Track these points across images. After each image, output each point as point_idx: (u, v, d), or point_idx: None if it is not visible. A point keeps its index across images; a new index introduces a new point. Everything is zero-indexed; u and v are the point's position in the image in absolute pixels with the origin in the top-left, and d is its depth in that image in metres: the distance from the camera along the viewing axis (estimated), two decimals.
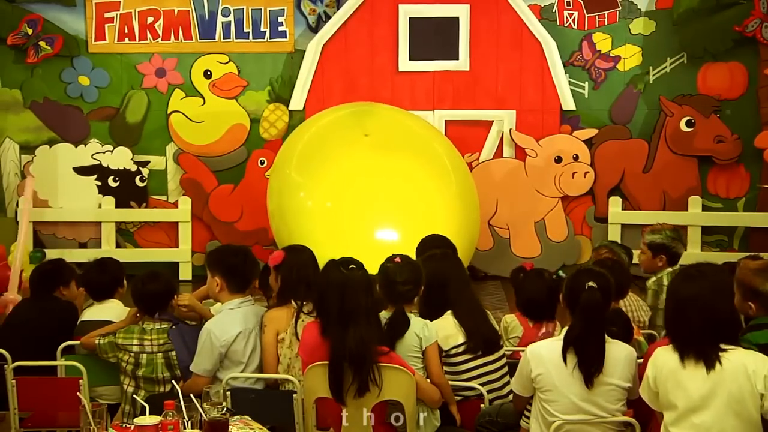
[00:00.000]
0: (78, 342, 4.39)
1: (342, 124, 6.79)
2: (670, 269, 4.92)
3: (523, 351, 3.52)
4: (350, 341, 3.50)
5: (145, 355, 4.19)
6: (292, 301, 4.05)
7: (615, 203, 7.87)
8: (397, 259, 3.98)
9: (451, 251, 4.63)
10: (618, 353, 3.38)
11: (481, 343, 3.90)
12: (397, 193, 6.22)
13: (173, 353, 4.20)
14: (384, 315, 3.83)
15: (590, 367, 3.31)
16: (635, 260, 5.23)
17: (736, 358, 3.08)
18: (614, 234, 7.74)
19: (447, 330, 3.90)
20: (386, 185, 6.25)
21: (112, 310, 4.56)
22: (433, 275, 3.99)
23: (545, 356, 3.38)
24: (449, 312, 3.94)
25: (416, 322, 3.85)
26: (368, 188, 6.23)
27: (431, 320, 3.90)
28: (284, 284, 4.11)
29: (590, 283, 3.35)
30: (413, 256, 4.27)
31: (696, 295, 3.14)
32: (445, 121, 7.82)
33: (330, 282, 3.62)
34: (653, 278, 4.96)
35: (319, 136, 6.74)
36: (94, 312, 4.62)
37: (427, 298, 4.01)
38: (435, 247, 4.61)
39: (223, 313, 4.10)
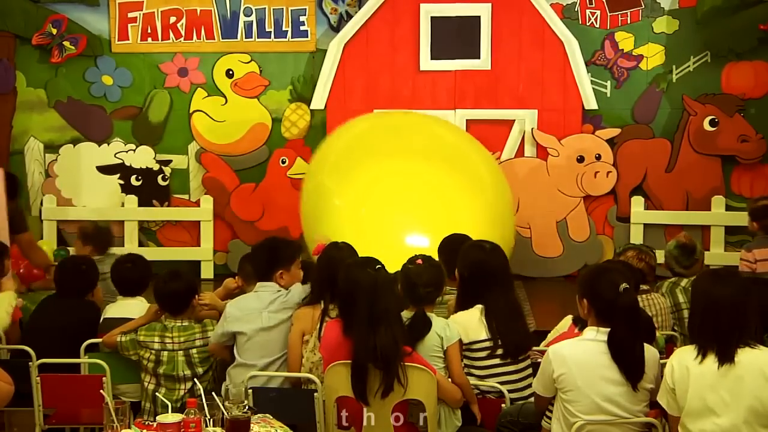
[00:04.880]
0: (101, 340, 4.43)
1: (372, 133, 6.77)
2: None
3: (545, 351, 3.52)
4: (382, 341, 3.52)
5: (166, 353, 4.23)
6: (322, 302, 4.06)
7: (637, 203, 7.82)
8: (419, 261, 3.99)
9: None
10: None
11: (511, 348, 3.87)
12: (430, 200, 6.19)
13: (194, 351, 4.24)
14: (405, 315, 3.84)
15: (636, 371, 3.30)
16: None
17: (756, 359, 3.07)
18: (636, 234, 7.70)
19: (470, 323, 3.89)
20: (419, 193, 6.23)
21: (136, 307, 4.60)
22: (475, 266, 3.97)
23: (567, 356, 3.37)
24: (479, 306, 3.93)
25: (437, 322, 3.85)
26: (401, 195, 6.22)
27: (464, 309, 3.90)
28: (318, 279, 4.13)
29: (624, 285, 3.35)
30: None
31: (729, 294, 3.14)
32: (467, 120, 7.79)
33: (360, 283, 3.63)
34: (665, 283, 5.05)
35: (352, 144, 6.72)
36: (117, 309, 4.66)
37: (464, 287, 4.00)
38: (461, 245, 4.61)
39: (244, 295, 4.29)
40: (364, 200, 6.17)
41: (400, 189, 6.20)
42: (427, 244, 5.83)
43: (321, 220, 6.23)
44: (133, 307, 4.58)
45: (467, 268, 4.02)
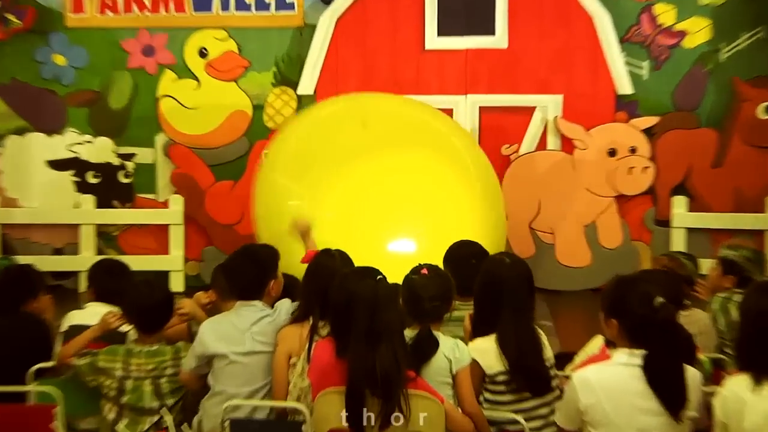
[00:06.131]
0: (51, 364, 4.43)
1: (339, 119, 6.73)
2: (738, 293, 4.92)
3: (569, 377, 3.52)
4: (382, 363, 3.51)
5: (130, 381, 4.22)
6: (311, 318, 4.07)
7: (679, 203, 7.83)
8: (424, 271, 3.98)
9: (477, 261, 4.64)
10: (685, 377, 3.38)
11: (524, 382, 3.85)
12: (408, 197, 6.18)
13: (164, 380, 4.23)
14: (408, 333, 3.84)
15: (677, 399, 3.30)
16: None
17: None
18: (678, 239, 7.72)
19: (490, 353, 3.88)
20: (395, 189, 6.20)
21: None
22: (492, 283, 3.97)
23: (596, 383, 3.36)
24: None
25: (445, 342, 3.85)
26: (375, 193, 6.20)
27: (482, 335, 3.90)
28: (306, 292, 4.15)
29: (659, 299, 3.35)
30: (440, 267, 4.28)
31: None
32: (480, 107, 7.82)
33: (359, 295, 3.62)
34: (717, 298, 4.96)
35: (312, 134, 6.68)
36: (84, 315, 4.68)
37: (480, 306, 4.00)
38: (470, 254, 4.60)
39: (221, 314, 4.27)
40: (330, 202, 6.14)
41: (374, 187, 6.16)
42: (414, 250, 5.85)
43: (275, 226, 6.14)
44: (101, 315, 4.59)
45: (481, 285, 4.03)
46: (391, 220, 6.06)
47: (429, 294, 3.90)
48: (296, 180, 6.24)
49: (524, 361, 3.84)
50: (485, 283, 3.99)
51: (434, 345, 3.82)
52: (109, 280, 4.85)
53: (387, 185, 6.16)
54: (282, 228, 5.92)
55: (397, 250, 5.89)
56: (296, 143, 6.51)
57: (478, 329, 3.98)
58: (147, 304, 4.30)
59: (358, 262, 4.17)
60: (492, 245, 5.50)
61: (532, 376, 3.85)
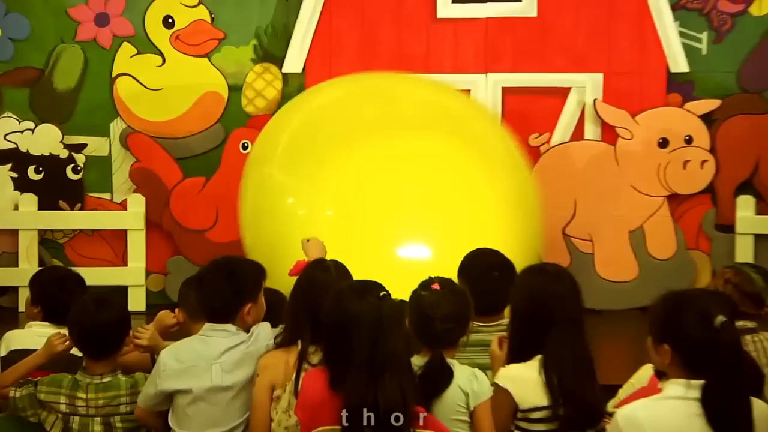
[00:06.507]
0: None
1: (346, 104, 6.77)
2: None
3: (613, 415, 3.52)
4: (386, 398, 3.51)
5: (77, 418, 4.22)
6: (299, 343, 4.07)
7: (745, 204, 7.83)
8: (435, 286, 3.98)
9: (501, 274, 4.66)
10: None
11: (578, 415, 3.86)
12: (425, 195, 6.20)
13: (117, 419, 4.23)
14: (416, 362, 3.85)
15: None
16: None
17: None
18: (744, 248, 7.72)
19: (528, 383, 3.88)
20: (409, 185, 6.23)
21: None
22: (536, 300, 3.98)
23: (645, 422, 3.35)
24: (538, 357, 3.93)
25: (461, 372, 3.86)
26: (385, 190, 6.22)
27: (519, 361, 3.90)
28: (294, 311, 4.15)
29: (721, 318, 3.34)
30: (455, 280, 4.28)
31: None
32: (503, 88, 7.83)
33: (360, 316, 3.62)
34: None
35: (313, 120, 6.72)
36: (25, 337, 4.68)
37: (518, 329, 4.01)
38: (490, 266, 4.61)
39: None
40: (331, 199, 6.16)
41: (382, 183, 6.16)
42: (429, 256, 5.86)
43: (267, 227, 6.21)
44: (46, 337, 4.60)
45: (524, 301, 4.04)
46: (402, 222, 6.07)
47: (441, 314, 3.90)
48: (291, 174, 6.27)
49: (580, 390, 3.84)
50: (527, 299, 4.00)
51: (447, 375, 3.82)
52: (60, 294, 4.83)
53: (398, 180, 6.18)
54: (273, 232, 5.95)
55: (409, 257, 5.90)
56: (293, 131, 6.55)
57: (516, 354, 3.98)
58: (92, 325, 4.28)
59: (362, 272, 4.13)
60: (524, 256, 5.53)
61: (585, 410, 3.86)
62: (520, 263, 4.89)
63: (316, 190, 6.15)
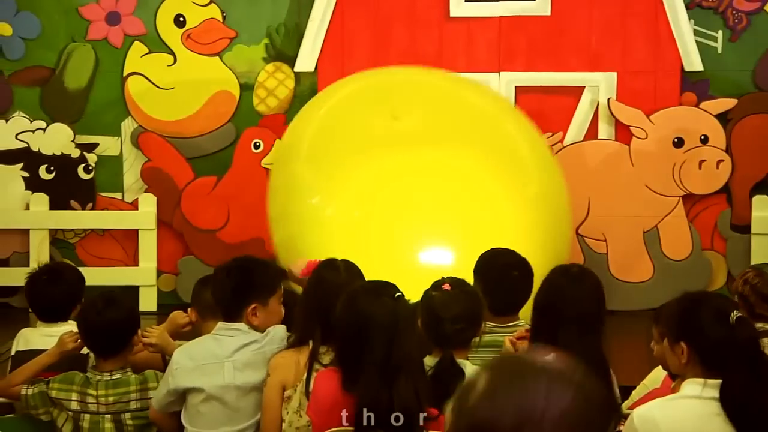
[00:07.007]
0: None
1: (366, 101, 6.77)
2: None
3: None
4: (401, 399, 3.50)
5: (87, 416, 4.24)
6: (310, 343, 4.05)
7: (761, 204, 7.80)
8: (446, 286, 3.99)
9: (520, 273, 4.64)
10: None
11: None
12: (451, 198, 6.20)
13: (127, 416, 4.23)
14: (427, 362, 3.85)
15: None
16: None
17: None
18: (761, 248, 7.67)
19: None
20: (436, 187, 6.23)
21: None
22: (551, 298, 3.98)
23: (661, 422, 3.34)
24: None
25: (472, 373, 3.84)
26: (410, 192, 6.23)
27: None
28: (306, 311, 4.13)
29: (736, 312, 3.33)
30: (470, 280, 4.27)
31: None
32: (516, 87, 7.82)
33: (375, 317, 3.61)
34: None
35: (337, 115, 6.73)
36: (36, 337, 4.69)
37: (534, 327, 4.01)
38: (508, 265, 4.61)
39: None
40: (358, 200, 6.16)
41: (408, 183, 6.18)
42: (451, 262, 5.84)
43: (294, 227, 6.22)
44: (57, 337, 4.60)
45: (541, 298, 4.08)
46: (426, 225, 6.07)
47: (451, 314, 3.92)
48: (319, 172, 6.31)
49: None
50: (544, 296, 4.00)
51: (458, 376, 3.81)
52: (49, 292, 4.82)
53: (428, 183, 6.19)
54: (302, 231, 5.97)
55: (433, 262, 5.89)
56: (319, 128, 6.57)
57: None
58: (99, 323, 4.29)
59: (384, 274, 4.09)
60: (550, 257, 5.52)
61: None
62: (546, 265, 4.89)
63: (342, 190, 6.18)
